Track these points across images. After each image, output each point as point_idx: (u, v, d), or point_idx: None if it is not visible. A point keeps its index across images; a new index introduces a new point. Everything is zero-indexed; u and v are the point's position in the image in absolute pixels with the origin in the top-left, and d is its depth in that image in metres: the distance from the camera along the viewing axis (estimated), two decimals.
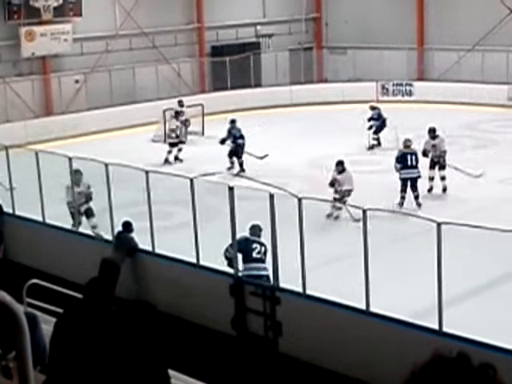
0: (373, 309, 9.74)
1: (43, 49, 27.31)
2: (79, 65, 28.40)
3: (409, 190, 16.78)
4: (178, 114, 23.44)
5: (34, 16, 26.91)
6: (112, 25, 29.23)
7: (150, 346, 3.06)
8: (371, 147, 22.85)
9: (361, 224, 10.16)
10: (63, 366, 4.23)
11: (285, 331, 10.69)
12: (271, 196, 10.68)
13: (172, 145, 22.57)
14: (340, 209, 15.81)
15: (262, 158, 20.79)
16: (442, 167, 17.74)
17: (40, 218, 14.38)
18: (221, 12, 31.40)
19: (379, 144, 22.91)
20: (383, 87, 30.92)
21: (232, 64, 30.85)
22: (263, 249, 11.40)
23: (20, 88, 27.15)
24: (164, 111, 25.50)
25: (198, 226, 11.80)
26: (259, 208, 11.45)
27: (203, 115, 25.97)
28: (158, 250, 12.45)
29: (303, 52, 33.66)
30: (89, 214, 14.89)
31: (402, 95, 30.77)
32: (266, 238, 11.25)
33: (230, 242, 11.33)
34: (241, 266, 11.47)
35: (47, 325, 5.26)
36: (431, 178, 17.69)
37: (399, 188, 16.78)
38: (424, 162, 17.42)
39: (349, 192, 15.85)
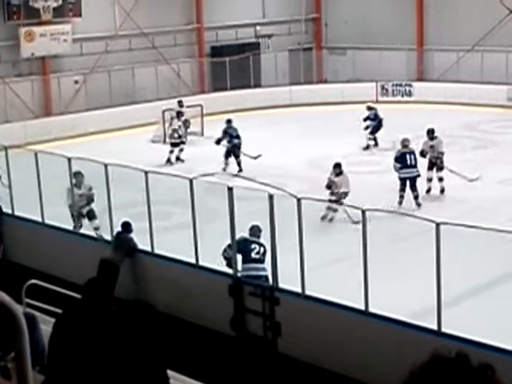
0: (372, 309, 9.74)
1: (43, 49, 27.31)
2: (79, 65, 28.40)
3: (408, 190, 16.81)
4: (179, 114, 23.46)
5: (34, 16, 26.91)
6: (111, 25, 29.23)
7: (149, 347, 3.06)
8: (367, 147, 22.91)
9: (360, 225, 10.16)
10: (62, 367, 4.23)
11: (284, 332, 10.68)
12: (270, 196, 10.68)
13: (174, 145, 22.60)
14: (336, 211, 15.79)
15: (255, 157, 20.79)
16: (440, 168, 17.72)
17: (39, 219, 14.37)
18: (220, 12, 31.41)
19: (376, 144, 22.94)
20: (383, 88, 30.93)
21: (231, 64, 30.85)
22: (262, 249, 11.40)
23: (19, 88, 27.15)
24: (163, 112, 25.51)
25: (197, 227, 11.80)
26: (258, 208, 11.45)
27: (202, 115, 25.98)
28: (157, 251, 12.44)
29: (303, 52, 33.66)
30: (91, 215, 14.84)
31: (402, 96, 30.78)
32: (265, 238, 11.25)
33: (229, 242, 11.33)
34: (240, 266, 11.47)
35: (46, 325, 5.27)
36: (429, 180, 17.70)
37: (398, 187, 16.81)
38: (422, 163, 17.43)
39: (345, 194, 15.81)
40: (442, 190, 17.66)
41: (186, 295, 11.85)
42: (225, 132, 21.05)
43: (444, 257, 9.10)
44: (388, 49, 31.35)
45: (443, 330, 9.05)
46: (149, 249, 12.50)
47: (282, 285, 10.76)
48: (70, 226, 14.50)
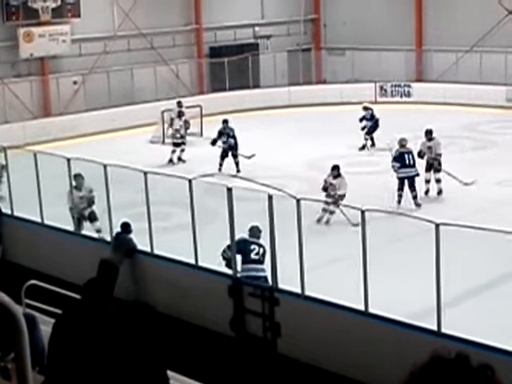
0: (371, 310, 9.74)
1: (41, 50, 27.30)
2: (77, 66, 28.39)
3: (407, 189, 16.83)
4: (180, 114, 23.48)
5: (33, 17, 26.90)
6: (110, 26, 29.22)
7: (149, 347, 3.06)
8: (363, 147, 22.94)
9: (359, 227, 10.16)
10: (62, 367, 4.23)
11: (283, 332, 10.68)
12: (270, 197, 10.68)
13: (176, 145, 22.64)
14: (333, 213, 15.74)
15: (249, 157, 20.79)
16: (437, 170, 17.68)
17: (39, 219, 14.37)
18: (219, 13, 31.40)
19: (373, 144, 22.96)
20: (381, 88, 30.93)
21: (230, 65, 30.84)
22: (261, 250, 11.40)
23: (18, 89, 27.14)
24: (162, 112, 25.52)
25: (196, 227, 11.80)
26: (258, 209, 11.45)
27: (201, 116, 25.98)
28: (156, 251, 12.44)
29: (301, 53, 33.66)
30: (92, 218, 14.74)
31: (401, 96, 30.78)
32: (264, 239, 11.25)
33: (228, 243, 11.33)
34: (239, 267, 11.47)
35: (46, 326, 5.26)
36: (427, 181, 17.65)
37: (396, 187, 16.84)
38: (420, 164, 17.41)
39: (342, 197, 15.72)
40: (439, 192, 17.61)
41: (186, 296, 11.85)
42: (221, 132, 21.04)
43: (444, 257, 9.10)
44: (387, 49, 31.35)
45: (443, 330, 9.05)
46: (148, 249, 12.51)
47: (281, 285, 10.77)
48: (69, 227, 14.49)
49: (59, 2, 27.26)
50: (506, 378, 1.93)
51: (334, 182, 15.97)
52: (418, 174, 16.96)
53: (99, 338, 3.22)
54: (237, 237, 11.37)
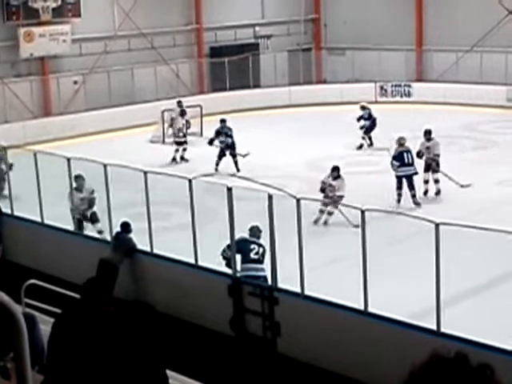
0: (371, 309, 9.74)
1: (42, 50, 27.30)
2: (78, 66, 28.39)
3: (406, 189, 16.85)
4: (183, 113, 23.50)
5: (33, 17, 26.90)
6: (111, 26, 29.22)
7: (149, 347, 3.06)
8: (360, 146, 22.94)
9: (355, 223, 10.16)
10: (61, 367, 4.23)
11: (283, 332, 10.68)
12: (270, 197, 10.68)
13: (179, 143, 22.66)
14: (331, 214, 15.68)
15: (244, 155, 20.80)
16: (435, 171, 17.64)
17: (38, 219, 14.37)
18: (219, 13, 31.40)
19: (371, 144, 22.96)
20: (382, 88, 30.92)
21: (231, 65, 30.85)
22: (261, 250, 11.40)
23: (18, 89, 27.15)
24: (162, 112, 25.53)
25: (196, 227, 11.80)
26: (258, 209, 11.45)
27: (202, 116, 25.98)
28: (156, 251, 12.44)
29: (302, 53, 33.66)
30: (93, 219, 14.71)
31: (401, 96, 30.78)
32: (264, 239, 11.25)
33: (228, 242, 11.33)
34: (239, 266, 11.47)
35: (45, 325, 5.26)
36: (426, 182, 17.61)
37: (395, 186, 16.90)
38: (419, 164, 17.41)
39: (341, 198, 15.62)
40: (438, 192, 17.58)
41: (186, 295, 11.85)
42: (218, 132, 21.03)
43: (444, 257, 9.10)
44: (387, 49, 31.35)
45: (443, 329, 9.05)
46: (148, 249, 12.51)
47: (281, 285, 10.77)
48: (69, 227, 14.49)
49: (59, 2, 27.26)
50: (505, 377, 1.93)
51: (333, 183, 15.87)
52: (416, 173, 16.99)
53: (99, 337, 3.22)
54: (237, 236, 11.37)
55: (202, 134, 25.08)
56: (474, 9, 29.97)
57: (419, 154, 17.57)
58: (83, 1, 27.78)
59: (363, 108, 23.36)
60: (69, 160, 13.72)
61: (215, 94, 30.52)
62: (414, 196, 16.85)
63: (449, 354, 1.82)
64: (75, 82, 28.59)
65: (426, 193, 17.62)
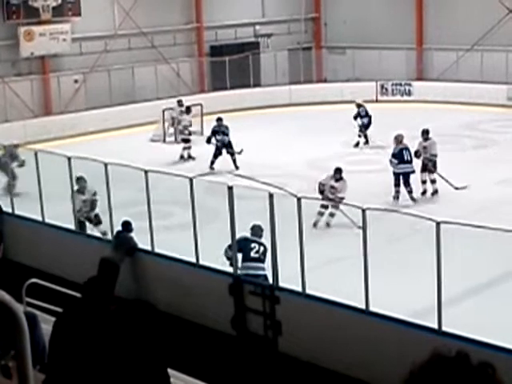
0: (372, 308, 9.74)
1: (42, 49, 27.30)
2: (78, 65, 28.38)
3: (402, 185, 16.93)
4: (188, 110, 23.52)
5: (33, 16, 26.90)
6: (111, 25, 29.22)
7: (150, 346, 3.06)
8: (356, 144, 22.95)
9: (359, 224, 10.15)
10: (62, 366, 4.24)
11: (284, 330, 10.69)
12: (270, 195, 10.68)
13: (186, 141, 22.66)
14: (333, 215, 15.59)
15: (238, 153, 20.80)
16: (430, 171, 17.60)
17: (39, 218, 14.38)
18: (220, 12, 31.39)
19: (367, 142, 22.96)
20: (382, 87, 30.91)
21: (231, 64, 30.83)
22: (262, 249, 11.40)
23: (19, 88, 27.14)
24: (163, 111, 25.53)
25: (197, 226, 11.81)
26: (258, 207, 11.45)
27: (202, 115, 25.97)
28: (157, 250, 12.45)
29: (302, 52, 33.64)
30: (97, 221, 14.66)
31: (401, 95, 30.77)
32: (266, 237, 11.25)
33: (229, 241, 11.33)
34: (239, 265, 11.48)
35: (47, 324, 5.26)
36: (423, 182, 17.55)
37: (393, 183, 16.96)
38: (416, 164, 17.42)
39: (341, 200, 15.51)
40: (434, 192, 17.52)
41: (187, 294, 11.85)
42: (215, 131, 21.03)
43: (445, 256, 9.10)
44: (387, 48, 31.32)
45: (444, 328, 9.05)
46: (149, 248, 12.51)
47: (282, 284, 10.77)
48: (70, 225, 14.48)
49: (60, 1, 27.25)
50: (506, 375, 1.93)
51: (336, 184, 15.68)
52: (414, 171, 17.05)
53: (100, 336, 3.23)
54: (238, 235, 11.37)
55: (202, 133, 25.07)
56: (474, 7, 29.96)
57: (417, 154, 17.54)
58: (83, 0, 27.78)
59: (359, 106, 23.36)
60: (69, 159, 13.72)
61: (216, 92, 30.51)
62: (410, 192, 16.93)
63: (450, 352, 1.82)
64: (76, 81, 28.58)
65: (424, 193, 17.54)
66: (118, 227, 12.84)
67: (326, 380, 10.02)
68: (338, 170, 15.85)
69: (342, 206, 14.90)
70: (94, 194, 14.44)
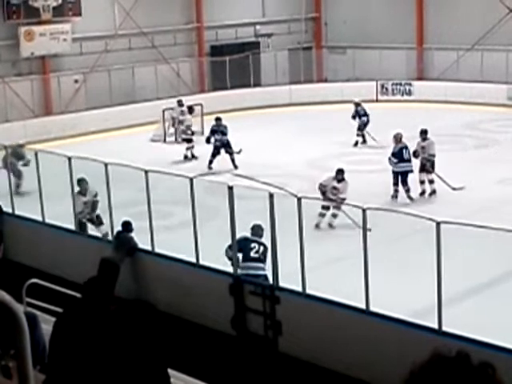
0: (372, 308, 9.74)
1: (42, 48, 27.30)
2: (78, 64, 28.39)
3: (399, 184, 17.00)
4: (191, 110, 23.52)
5: (33, 16, 26.90)
6: (111, 25, 29.22)
7: (150, 346, 3.06)
8: (355, 143, 22.93)
9: (361, 224, 10.15)
10: (63, 366, 4.23)
11: (284, 330, 10.68)
12: (271, 195, 10.68)
13: (189, 141, 22.66)
14: (336, 216, 15.56)
15: (237, 153, 20.79)
16: (428, 171, 17.57)
17: (40, 218, 14.37)
18: (220, 12, 31.40)
19: (364, 141, 22.95)
20: (383, 87, 30.92)
21: (231, 64, 30.84)
22: (262, 248, 11.38)
23: (19, 88, 27.14)
24: (163, 111, 25.53)
25: (197, 226, 11.80)
26: (259, 207, 11.45)
27: (202, 115, 25.98)
28: (157, 250, 12.45)
29: (302, 52, 33.65)
30: (98, 222, 14.63)
31: (402, 95, 30.77)
32: (266, 238, 11.24)
33: (229, 240, 11.32)
34: (240, 265, 11.48)
35: (47, 324, 5.26)
36: (421, 182, 17.53)
37: (391, 181, 16.99)
38: (415, 165, 17.42)
39: (343, 201, 15.48)
40: (432, 192, 17.49)
41: (187, 294, 11.85)
42: (214, 130, 21.03)
43: (445, 255, 9.10)
44: (388, 48, 31.32)
45: (444, 328, 9.05)
46: (149, 248, 12.51)
47: (281, 280, 10.76)
48: (70, 225, 14.47)
49: (60, 1, 27.26)
50: (506, 375, 1.93)
51: (338, 185, 15.63)
52: (412, 170, 17.10)
53: (100, 336, 3.23)
54: (238, 235, 11.36)
55: (202, 133, 25.07)
56: (474, 7, 29.97)
57: (415, 154, 17.54)
58: (84, 0, 27.78)
59: (357, 105, 23.36)
60: (70, 159, 13.72)
61: (216, 92, 30.51)
62: (407, 191, 16.95)
63: (450, 352, 1.82)
64: (76, 81, 28.59)
65: (422, 193, 17.51)
66: (118, 227, 12.83)
67: (326, 380, 10.02)
68: (340, 171, 15.78)
69: (343, 207, 14.89)
70: (95, 195, 14.40)
